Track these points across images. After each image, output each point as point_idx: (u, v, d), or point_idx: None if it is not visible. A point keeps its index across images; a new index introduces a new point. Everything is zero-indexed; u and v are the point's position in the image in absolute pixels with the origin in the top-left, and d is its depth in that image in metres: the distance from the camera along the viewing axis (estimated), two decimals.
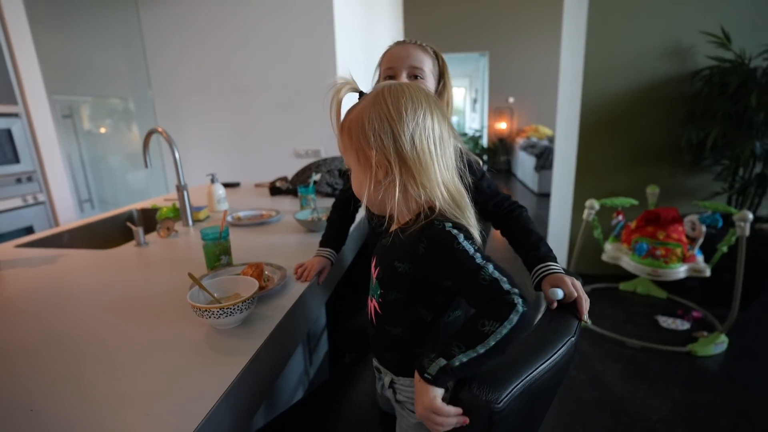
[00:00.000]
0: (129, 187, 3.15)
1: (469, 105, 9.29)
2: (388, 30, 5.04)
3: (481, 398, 0.43)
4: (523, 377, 0.46)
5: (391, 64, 0.90)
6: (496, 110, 7.05)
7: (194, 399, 0.54)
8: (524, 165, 6.10)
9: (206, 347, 0.67)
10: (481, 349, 0.49)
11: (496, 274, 0.52)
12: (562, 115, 2.87)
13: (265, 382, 0.69)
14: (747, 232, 1.83)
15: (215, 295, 0.76)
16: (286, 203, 1.73)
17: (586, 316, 0.65)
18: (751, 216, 1.82)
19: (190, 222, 1.42)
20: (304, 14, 2.51)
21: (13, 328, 0.77)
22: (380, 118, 0.57)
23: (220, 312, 0.67)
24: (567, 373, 0.53)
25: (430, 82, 0.91)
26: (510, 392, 0.44)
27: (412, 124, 0.56)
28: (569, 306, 0.65)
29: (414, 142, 0.56)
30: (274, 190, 1.84)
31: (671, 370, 1.81)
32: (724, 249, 1.91)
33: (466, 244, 0.54)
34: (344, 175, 1.83)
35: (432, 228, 0.55)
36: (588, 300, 0.66)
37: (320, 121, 2.73)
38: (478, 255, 0.54)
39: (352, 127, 0.60)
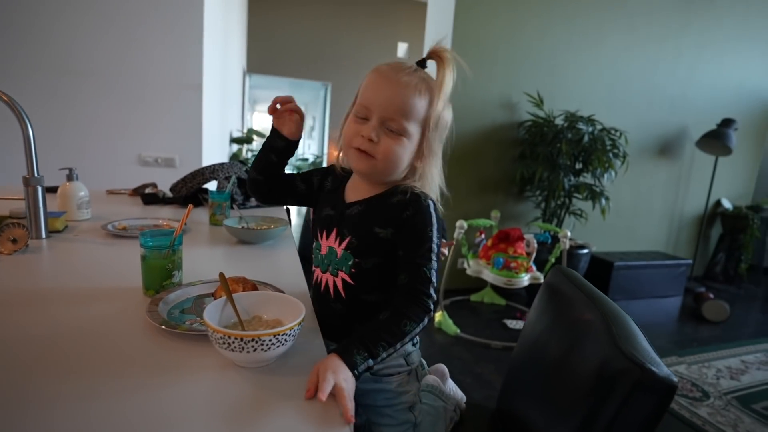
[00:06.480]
0: None
1: (305, 132, 9.38)
2: (239, 51, 4.71)
3: (662, 376, 0.43)
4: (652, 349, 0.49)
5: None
6: (337, 139, 7.33)
7: None
8: None
9: (247, 408, 0.46)
10: (398, 345, 0.55)
11: (434, 276, 0.60)
12: None
13: None
14: (567, 246, 2.40)
15: (218, 322, 0.54)
16: (167, 212, 1.37)
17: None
18: (569, 233, 2.39)
19: (44, 233, 0.97)
20: None
21: None
22: (449, 89, 0.67)
23: (269, 341, 0.47)
24: None
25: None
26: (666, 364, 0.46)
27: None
28: None
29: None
30: (149, 197, 1.44)
31: None
32: (552, 259, 2.45)
33: (434, 232, 0.62)
34: (245, 185, 1.58)
35: (419, 202, 0.63)
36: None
37: (176, 125, 2.30)
38: (435, 247, 0.61)
39: (440, 93, 0.66)
